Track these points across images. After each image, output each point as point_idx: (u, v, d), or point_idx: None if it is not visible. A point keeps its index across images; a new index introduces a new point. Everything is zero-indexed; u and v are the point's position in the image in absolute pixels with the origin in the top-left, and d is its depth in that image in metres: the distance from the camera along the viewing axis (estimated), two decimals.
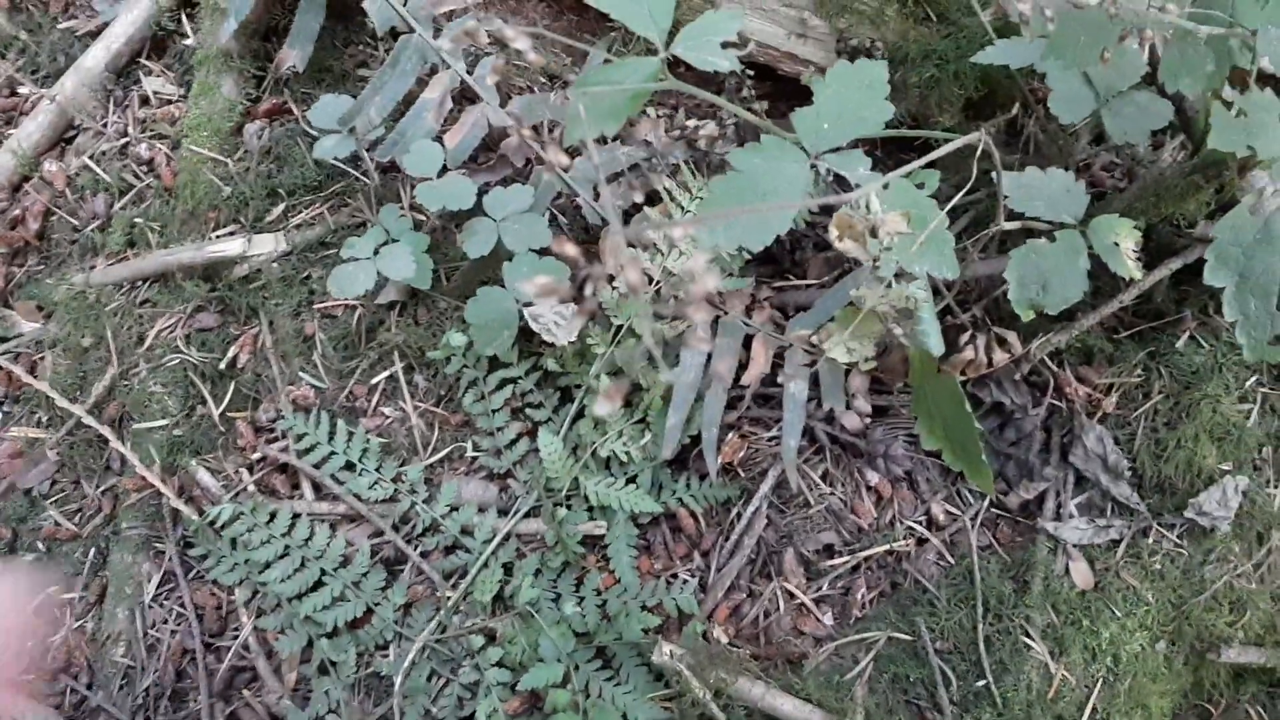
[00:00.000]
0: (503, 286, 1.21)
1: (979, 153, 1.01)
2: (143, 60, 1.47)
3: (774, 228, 1.03)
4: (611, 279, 1.07)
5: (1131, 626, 1.15)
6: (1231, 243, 1.01)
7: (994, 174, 1.09)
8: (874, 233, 1.00)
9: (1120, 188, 1.35)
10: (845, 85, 1.09)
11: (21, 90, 1.46)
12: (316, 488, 1.27)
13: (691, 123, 1.37)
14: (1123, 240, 1.11)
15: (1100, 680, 1.14)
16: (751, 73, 1.33)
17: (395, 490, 1.26)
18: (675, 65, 1.04)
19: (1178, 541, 1.17)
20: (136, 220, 1.36)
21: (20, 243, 1.38)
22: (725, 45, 1.07)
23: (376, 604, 1.22)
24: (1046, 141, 1.36)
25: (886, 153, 1.40)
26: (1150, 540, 1.18)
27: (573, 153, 1.28)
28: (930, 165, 1.01)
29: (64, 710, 1.23)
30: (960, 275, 1.05)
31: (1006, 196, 1.11)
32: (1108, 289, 1.21)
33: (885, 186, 1.01)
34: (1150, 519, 1.18)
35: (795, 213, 0.91)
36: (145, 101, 1.44)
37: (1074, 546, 1.18)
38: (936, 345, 1.13)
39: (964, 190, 1.12)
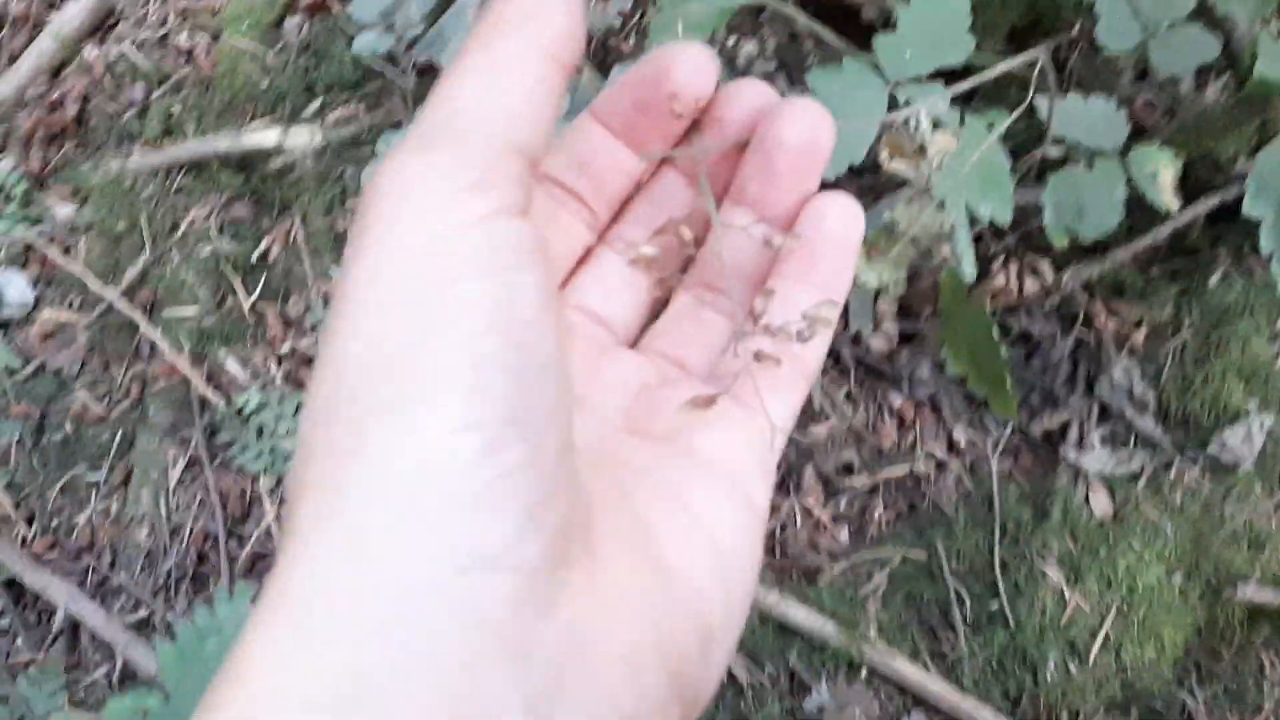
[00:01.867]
0: None
1: (1037, 70, 1.00)
2: None
3: (851, 154, 1.02)
4: None
5: (1149, 558, 1.15)
6: (1273, 172, 1.01)
7: (1042, 100, 1.08)
8: (923, 152, 0.99)
9: (1160, 126, 1.34)
10: (929, 12, 1.08)
11: None
12: None
13: (731, 41, 1.36)
14: (1162, 171, 1.10)
15: (1114, 609, 1.15)
16: None
17: None
18: None
19: (1199, 477, 1.17)
20: (174, 109, 1.37)
21: (58, 127, 1.38)
22: None
23: None
24: (1089, 76, 1.35)
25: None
26: (1172, 474, 1.18)
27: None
28: (970, 96, 1.00)
29: (86, 588, 1.25)
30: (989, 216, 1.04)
31: (1049, 125, 1.10)
32: (1142, 225, 1.20)
33: (962, 123, 1.00)
34: (1173, 453, 1.18)
35: (872, 138, 0.90)
36: None
37: (1095, 476, 1.19)
38: (969, 270, 1.13)
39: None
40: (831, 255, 0.41)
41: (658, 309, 0.45)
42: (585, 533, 0.32)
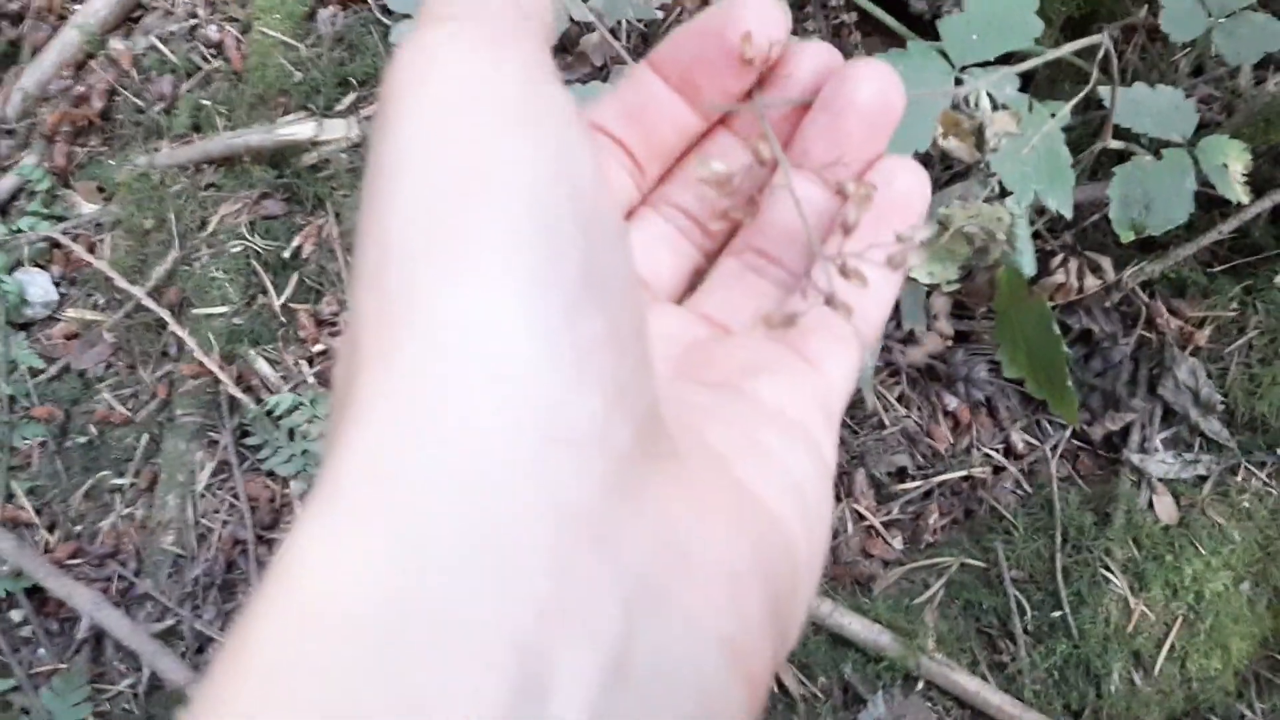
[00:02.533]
0: None
1: (1100, 55, 0.97)
2: None
3: (915, 139, 0.98)
4: None
5: (1216, 565, 1.11)
6: None
7: (1104, 90, 1.05)
8: (981, 133, 0.96)
9: (1218, 121, 1.31)
10: None
11: None
12: None
13: None
14: (1232, 162, 1.07)
15: (1180, 618, 1.11)
16: None
17: None
18: None
19: (1267, 480, 1.14)
20: (203, 102, 1.33)
21: (83, 121, 1.35)
22: None
23: None
24: (1145, 69, 1.31)
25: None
26: (1239, 478, 1.14)
27: None
28: (1024, 87, 0.96)
29: (110, 595, 1.21)
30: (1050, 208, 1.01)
31: (1111, 115, 1.07)
32: (1202, 224, 1.17)
33: (1030, 108, 0.97)
34: (1240, 456, 1.15)
35: (935, 125, 0.87)
36: None
37: (1159, 481, 1.15)
38: (1029, 265, 1.10)
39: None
40: (899, 218, 0.40)
41: (698, 277, 0.43)
42: (669, 435, 0.29)
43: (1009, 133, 0.91)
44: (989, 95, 0.95)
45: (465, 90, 0.27)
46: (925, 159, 1.26)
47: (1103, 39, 0.97)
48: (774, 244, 0.41)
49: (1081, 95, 1.07)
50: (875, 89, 0.39)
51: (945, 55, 0.99)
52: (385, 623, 0.22)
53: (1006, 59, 1.30)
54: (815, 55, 0.41)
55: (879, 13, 1.07)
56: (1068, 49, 0.94)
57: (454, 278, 0.24)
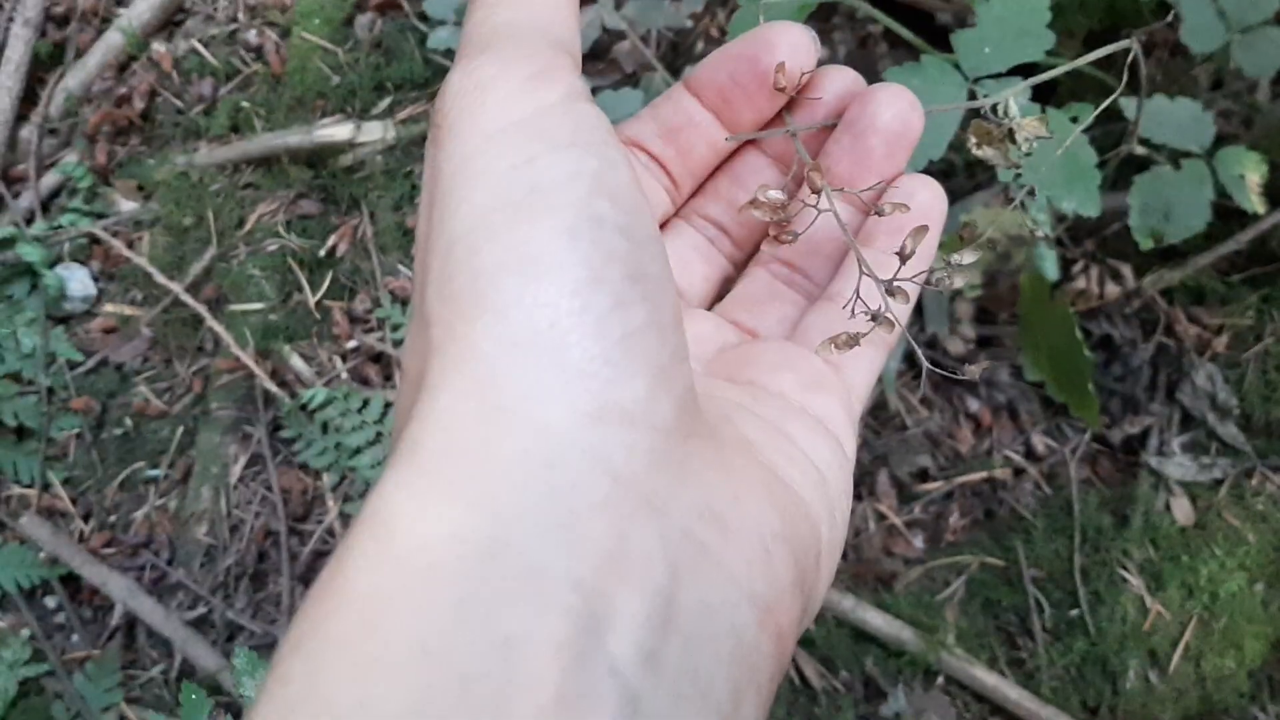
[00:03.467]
0: None
1: (1130, 58, 0.99)
2: None
3: (930, 149, 1.01)
4: None
5: (1231, 566, 1.13)
6: None
7: (1127, 101, 1.07)
8: (1012, 138, 0.98)
9: (1236, 134, 1.34)
10: (1009, 9, 1.07)
11: None
12: None
13: None
14: (1249, 173, 1.10)
15: (1195, 618, 1.13)
16: None
17: None
18: None
19: None
20: (243, 104, 1.36)
21: (124, 121, 1.38)
22: None
23: None
24: (1165, 82, 1.34)
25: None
26: (1254, 481, 1.16)
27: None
28: (1048, 97, 0.99)
29: (144, 584, 1.23)
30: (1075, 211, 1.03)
31: (1137, 122, 1.09)
32: (1221, 233, 1.19)
33: (1044, 110, 1.00)
34: (1256, 460, 1.17)
35: (951, 135, 0.89)
36: None
37: (1176, 483, 1.17)
38: (1052, 270, 1.12)
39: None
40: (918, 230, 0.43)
41: (727, 285, 0.47)
42: (704, 418, 0.32)
43: (1040, 135, 0.93)
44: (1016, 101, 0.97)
45: (515, 120, 0.31)
46: (949, 169, 1.29)
47: (1131, 44, 0.99)
48: (800, 256, 0.45)
49: (1107, 102, 1.10)
50: (895, 111, 0.43)
51: (959, 68, 1.02)
52: (469, 572, 0.25)
53: (1030, 70, 1.33)
54: (840, 79, 0.44)
55: (898, 27, 1.09)
56: (1090, 57, 0.96)
57: (518, 275, 0.28)
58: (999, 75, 1.03)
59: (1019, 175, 1.00)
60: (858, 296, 0.41)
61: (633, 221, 0.30)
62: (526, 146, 0.30)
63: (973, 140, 1.03)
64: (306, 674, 0.24)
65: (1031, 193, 1.01)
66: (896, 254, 0.41)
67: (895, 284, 0.40)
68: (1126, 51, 1.31)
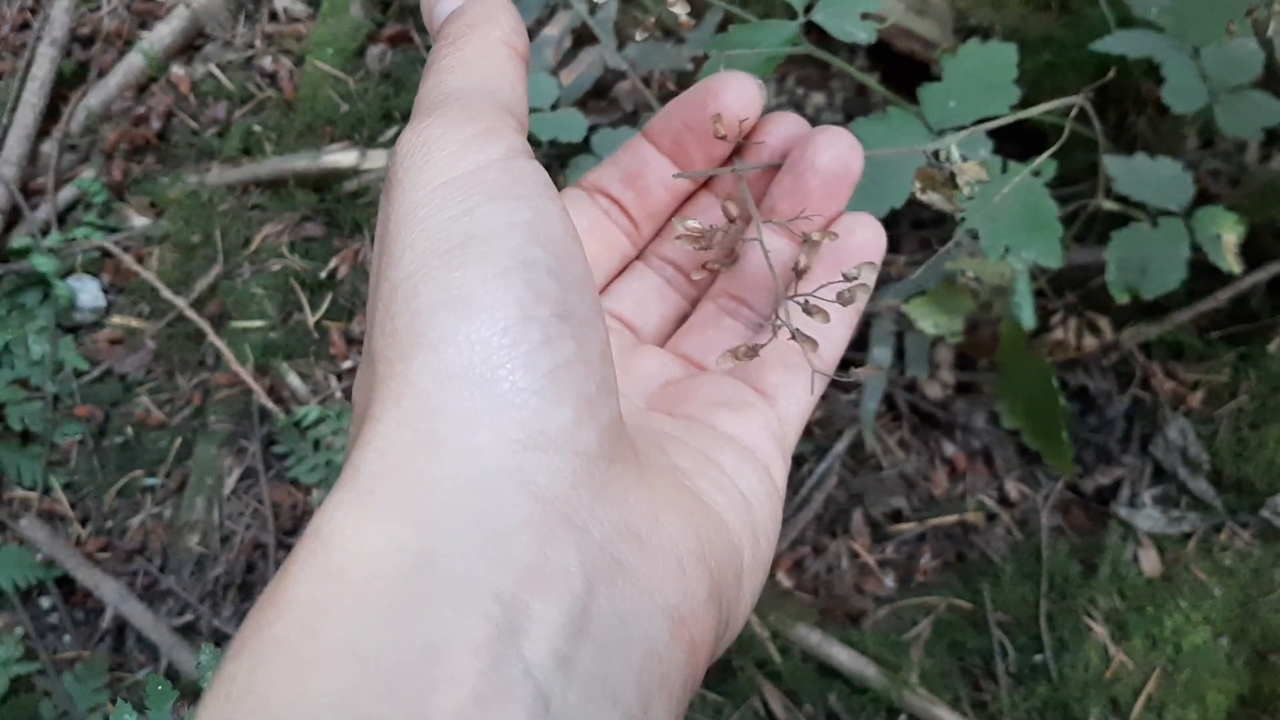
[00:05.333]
0: None
1: (1073, 113, 1.02)
2: None
3: (892, 198, 1.04)
4: None
5: (1196, 619, 1.15)
6: None
7: (1099, 158, 1.10)
8: (954, 183, 1.00)
9: (1225, 194, 1.35)
10: (975, 65, 1.10)
11: None
12: None
13: (800, 91, 1.39)
14: (1226, 233, 1.11)
15: (1159, 669, 1.14)
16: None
17: None
18: (807, 31, 1.05)
19: (1250, 540, 1.17)
20: (255, 128, 1.40)
21: (141, 140, 1.42)
22: (865, 17, 1.08)
23: None
24: (1154, 140, 1.36)
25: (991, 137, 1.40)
26: (1223, 536, 1.17)
27: None
28: (1027, 153, 1.01)
29: (135, 589, 1.27)
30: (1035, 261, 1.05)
31: (1112, 179, 1.12)
32: (1202, 290, 1.21)
33: (1004, 170, 1.02)
34: (1225, 516, 1.18)
35: (911, 185, 0.92)
36: (274, 17, 1.48)
37: (1146, 534, 1.18)
38: (1028, 319, 1.14)
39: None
40: (858, 263, 0.46)
41: (683, 321, 0.50)
42: (631, 445, 0.35)
43: (980, 179, 0.95)
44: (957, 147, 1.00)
45: (458, 174, 0.34)
46: (940, 217, 1.31)
47: (1080, 100, 1.01)
48: (746, 289, 0.48)
49: (1055, 148, 1.12)
50: (835, 153, 0.45)
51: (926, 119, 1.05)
52: (399, 583, 0.28)
53: (1029, 135, 1.36)
54: (785, 124, 0.47)
55: (866, 79, 1.12)
56: (1038, 110, 0.98)
57: (453, 314, 0.31)
58: (963, 128, 1.06)
59: (963, 219, 1.03)
60: (775, 315, 0.44)
61: (563, 266, 0.33)
62: (467, 198, 0.33)
63: (918, 185, 1.06)
64: (248, 673, 0.27)
65: (975, 236, 1.04)
66: (827, 285, 0.44)
67: (811, 302, 0.43)
68: (1121, 109, 1.34)
